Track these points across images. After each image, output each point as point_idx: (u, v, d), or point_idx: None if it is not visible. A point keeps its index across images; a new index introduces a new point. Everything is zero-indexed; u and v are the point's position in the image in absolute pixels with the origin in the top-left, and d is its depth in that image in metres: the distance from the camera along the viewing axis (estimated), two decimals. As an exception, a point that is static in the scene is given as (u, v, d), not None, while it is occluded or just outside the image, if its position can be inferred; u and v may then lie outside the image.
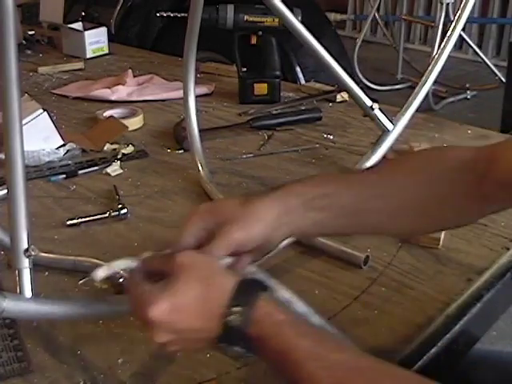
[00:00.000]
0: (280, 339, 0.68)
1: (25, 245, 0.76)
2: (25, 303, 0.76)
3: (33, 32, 2.38)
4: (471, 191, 0.84)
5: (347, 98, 1.77)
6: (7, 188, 0.77)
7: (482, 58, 4.14)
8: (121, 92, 1.83)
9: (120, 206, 1.24)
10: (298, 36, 1.19)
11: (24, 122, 1.38)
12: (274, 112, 1.72)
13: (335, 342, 0.73)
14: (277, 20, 1.71)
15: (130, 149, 1.52)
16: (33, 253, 0.77)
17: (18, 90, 0.76)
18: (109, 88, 1.85)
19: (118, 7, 2.83)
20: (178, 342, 0.73)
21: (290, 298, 0.81)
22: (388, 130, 1.22)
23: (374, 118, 1.22)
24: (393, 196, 0.85)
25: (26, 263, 0.77)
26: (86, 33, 2.20)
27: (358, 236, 1.15)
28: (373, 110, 1.21)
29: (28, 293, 0.76)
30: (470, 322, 0.95)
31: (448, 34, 1.26)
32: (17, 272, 0.76)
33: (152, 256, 0.78)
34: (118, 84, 1.86)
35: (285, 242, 1.06)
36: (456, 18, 1.25)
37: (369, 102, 1.22)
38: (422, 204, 0.85)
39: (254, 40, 1.77)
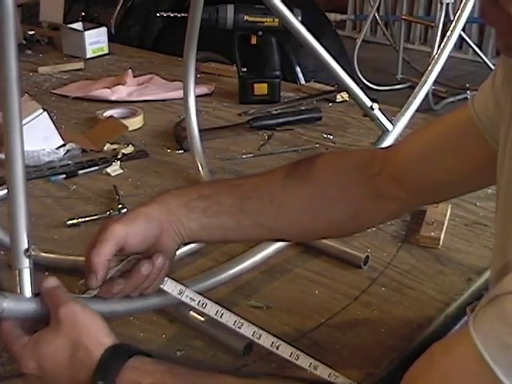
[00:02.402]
0: None
1: (25, 245, 0.76)
2: (25, 303, 0.76)
3: (33, 32, 2.38)
4: (366, 189, 0.84)
5: (347, 98, 1.77)
6: (7, 188, 0.77)
7: (482, 58, 4.14)
8: (121, 92, 1.83)
9: (120, 206, 1.24)
10: (298, 36, 1.19)
11: (24, 122, 1.38)
12: (274, 112, 1.72)
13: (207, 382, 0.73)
14: (277, 20, 1.71)
15: (129, 149, 1.52)
16: (33, 253, 0.77)
17: (18, 90, 0.75)
18: (109, 88, 1.85)
19: (118, 7, 2.83)
20: None
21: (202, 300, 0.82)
22: (388, 130, 1.22)
23: (374, 118, 1.22)
24: (275, 196, 0.85)
25: (26, 263, 0.76)
26: (86, 33, 2.20)
27: (358, 236, 1.15)
28: (373, 110, 1.21)
29: (28, 293, 0.76)
30: (469, 322, 0.95)
31: (448, 33, 1.26)
32: (17, 272, 0.76)
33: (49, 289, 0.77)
34: (117, 84, 1.87)
35: (283, 242, 1.06)
36: (456, 17, 1.25)
37: (369, 102, 1.22)
38: (310, 205, 0.85)
39: (254, 40, 1.77)
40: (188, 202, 0.82)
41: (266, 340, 0.80)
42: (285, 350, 0.79)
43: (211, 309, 0.82)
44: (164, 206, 0.81)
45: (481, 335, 0.53)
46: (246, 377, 0.76)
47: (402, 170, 0.82)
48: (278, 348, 0.80)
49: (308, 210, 0.85)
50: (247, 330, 0.81)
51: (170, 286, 0.82)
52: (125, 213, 0.81)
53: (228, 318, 0.81)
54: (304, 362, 0.79)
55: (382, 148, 0.85)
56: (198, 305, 0.82)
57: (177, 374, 0.73)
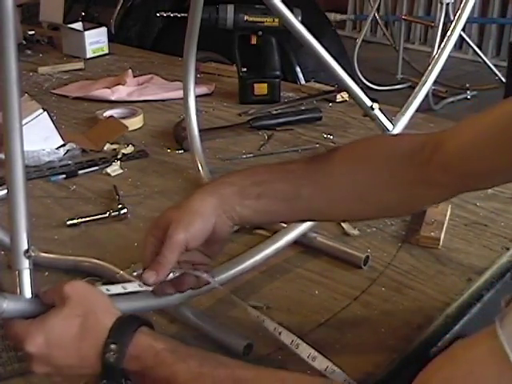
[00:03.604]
0: (161, 368, 0.70)
1: (25, 245, 0.76)
2: (25, 304, 0.76)
3: (33, 32, 2.38)
4: (414, 176, 0.84)
5: (347, 98, 1.77)
6: (7, 188, 0.77)
7: (482, 58, 4.14)
8: (121, 92, 1.83)
9: (120, 206, 1.24)
10: (298, 36, 1.19)
11: (24, 122, 1.38)
12: (274, 112, 1.72)
13: (218, 359, 0.74)
14: (277, 20, 1.71)
15: (129, 149, 1.52)
16: (33, 253, 0.77)
17: (18, 90, 0.75)
18: (109, 88, 1.85)
19: (118, 7, 2.83)
20: (58, 374, 0.75)
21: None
22: (388, 130, 1.21)
23: (374, 118, 1.22)
24: (327, 183, 0.86)
25: (25, 264, 0.76)
26: (86, 33, 2.20)
27: (358, 236, 1.15)
28: (373, 110, 1.21)
29: (28, 293, 0.76)
30: (470, 321, 0.95)
31: (448, 34, 1.25)
32: (17, 273, 0.76)
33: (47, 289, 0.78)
34: (118, 84, 1.87)
35: (283, 242, 1.06)
36: (456, 18, 1.25)
37: (369, 102, 1.22)
38: (360, 191, 0.86)
39: (254, 40, 1.77)
40: (241, 189, 0.84)
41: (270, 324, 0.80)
42: (286, 337, 0.79)
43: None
44: (217, 196, 0.83)
45: (506, 334, 0.54)
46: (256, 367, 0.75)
47: (452, 158, 0.82)
48: (280, 334, 0.79)
49: (360, 197, 0.87)
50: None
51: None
52: (181, 208, 0.83)
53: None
54: (304, 351, 0.78)
55: (432, 134, 0.85)
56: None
57: (189, 347, 0.74)
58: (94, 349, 0.72)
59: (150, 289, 0.82)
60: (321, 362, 0.77)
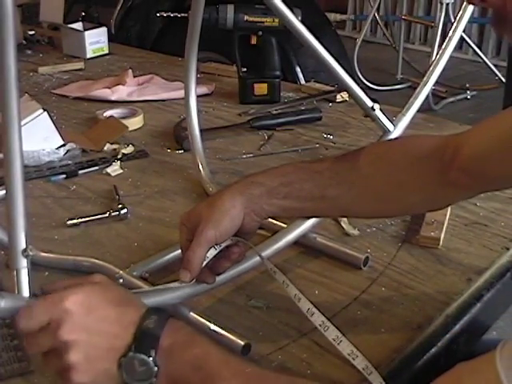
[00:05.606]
0: (194, 345, 0.71)
1: (23, 245, 0.76)
2: (22, 303, 0.76)
3: (33, 32, 2.38)
4: (437, 178, 0.87)
5: (347, 98, 1.77)
6: (5, 188, 0.78)
7: (482, 58, 4.15)
8: (121, 92, 1.83)
9: (120, 206, 1.24)
10: (298, 36, 1.19)
11: (24, 122, 1.38)
12: (274, 112, 1.72)
13: (241, 358, 0.76)
14: (277, 20, 1.71)
15: (129, 149, 1.51)
16: (30, 253, 0.77)
17: (17, 90, 0.75)
18: (109, 88, 1.85)
19: (118, 7, 2.84)
20: (84, 346, 0.70)
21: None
22: (389, 131, 1.21)
23: (375, 119, 1.22)
24: (352, 183, 0.91)
25: (23, 263, 0.77)
26: (86, 33, 2.20)
27: (358, 236, 1.15)
28: (374, 110, 1.21)
29: (26, 293, 0.76)
30: (470, 321, 0.95)
31: (449, 34, 1.25)
32: (15, 272, 0.76)
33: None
34: (118, 84, 1.86)
35: (283, 243, 1.06)
36: (457, 18, 1.25)
37: (370, 103, 1.22)
38: (384, 191, 0.91)
39: (254, 40, 1.77)
40: (269, 189, 0.90)
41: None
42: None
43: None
44: (247, 196, 0.89)
45: (504, 365, 0.55)
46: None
47: (470, 161, 0.83)
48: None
49: (383, 198, 0.91)
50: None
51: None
52: (211, 206, 0.88)
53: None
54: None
55: (453, 136, 0.87)
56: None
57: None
58: (132, 315, 0.71)
59: (191, 284, 0.86)
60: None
